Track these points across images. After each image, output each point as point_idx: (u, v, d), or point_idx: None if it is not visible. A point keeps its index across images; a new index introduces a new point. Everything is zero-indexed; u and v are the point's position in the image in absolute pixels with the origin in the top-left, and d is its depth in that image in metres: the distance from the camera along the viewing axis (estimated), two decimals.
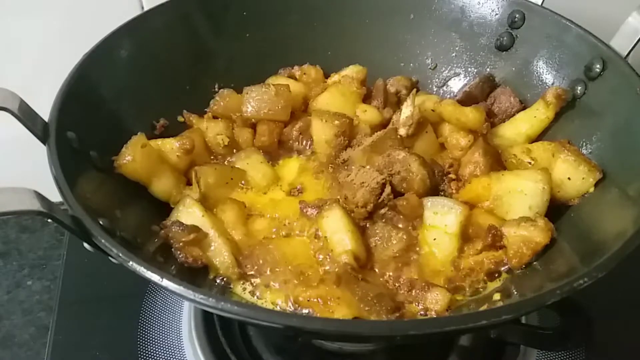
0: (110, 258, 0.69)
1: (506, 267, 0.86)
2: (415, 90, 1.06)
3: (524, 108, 1.06)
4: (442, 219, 0.89)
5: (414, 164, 0.93)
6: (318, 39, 1.18)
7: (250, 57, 1.15)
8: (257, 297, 0.84)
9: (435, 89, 1.19)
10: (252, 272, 0.86)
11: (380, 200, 0.91)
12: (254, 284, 0.85)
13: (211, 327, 1.02)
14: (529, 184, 0.89)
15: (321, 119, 1.03)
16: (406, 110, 0.97)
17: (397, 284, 0.85)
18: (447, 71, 1.18)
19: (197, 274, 0.85)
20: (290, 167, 1.05)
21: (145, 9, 1.15)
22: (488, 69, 1.13)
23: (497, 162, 0.99)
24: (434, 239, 0.88)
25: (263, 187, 1.00)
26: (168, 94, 1.06)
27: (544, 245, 0.83)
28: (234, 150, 1.05)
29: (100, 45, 0.95)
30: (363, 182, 0.92)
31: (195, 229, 0.84)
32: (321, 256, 0.87)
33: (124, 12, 1.03)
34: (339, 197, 0.93)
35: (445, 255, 0.87)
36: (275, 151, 1.07)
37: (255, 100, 1.05)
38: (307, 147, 1.07)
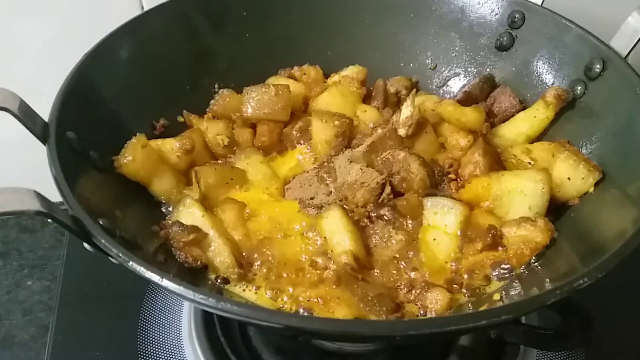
0: (110, 258, 0.69)
1: (506, 267, 0.86)
2: (415, 90, 1.06)
3: (524, 108, 1.06)
4: (442, 219, 0.89)
5: (414, 164, 0.93)
6: (318, 39, 1.18)
7: (250, 57, 1.15)
8: (257, 297, 0.84)
9: (435, 89, 1.19)
10: (252, 272, 0.86)
11: (380, 200, 0.91)
12: (254, 284, 0.85)
13: (211, 327, 1.02)
14: (528, 184, 0.89)
15: (321, 119, 1.03)
16: (406, 110, 0.97)
17: (397, 284, 0.85)
18: (447, 71, 1.18)
19: (197, 274, 0.85)
20: (290, 167, 1.05)
21: (145, 9, 1.15)
22: (488, 69, 1.13)
23: (497, 162, 0.99)
24: (434, 239, 0.88)
25: (263, 187, 1.00)
26: (168, 94, 1.06)
27: (544, 245, 0.83)
28: (234, 150, 1.05)
29: (100, 45, 0.95)
30: (363, 182, 0.92)
31: (195, 229, 0.84)
32: (321, 256, 0.87)
33: (124, 12, 1.03)
34: (339, 197, 0.94)
35: (445, 256, 0.87)
36: (275, 151, 1.07)
37: (255, 101, 1.05)
38: (307, 148, 1.07)
